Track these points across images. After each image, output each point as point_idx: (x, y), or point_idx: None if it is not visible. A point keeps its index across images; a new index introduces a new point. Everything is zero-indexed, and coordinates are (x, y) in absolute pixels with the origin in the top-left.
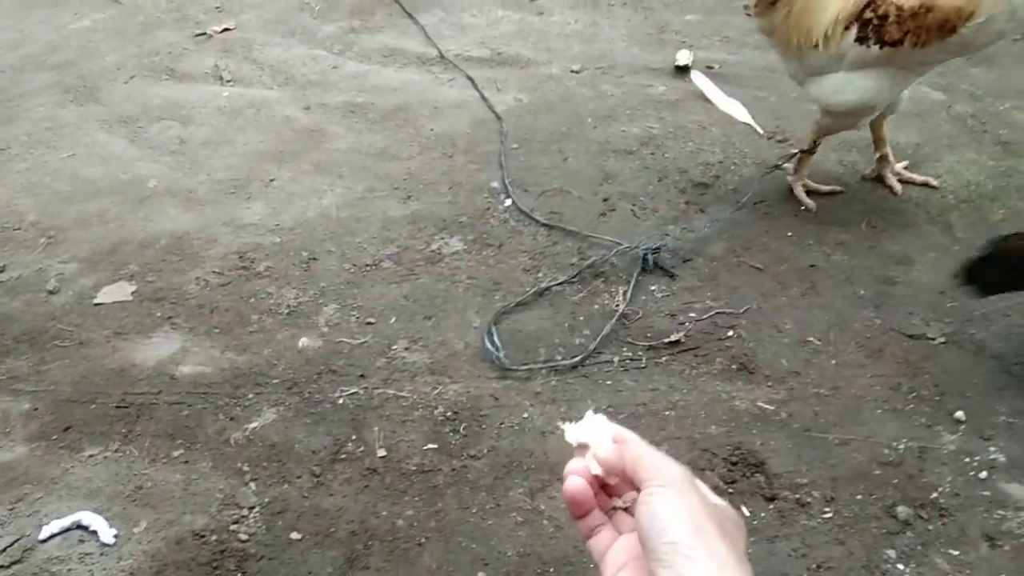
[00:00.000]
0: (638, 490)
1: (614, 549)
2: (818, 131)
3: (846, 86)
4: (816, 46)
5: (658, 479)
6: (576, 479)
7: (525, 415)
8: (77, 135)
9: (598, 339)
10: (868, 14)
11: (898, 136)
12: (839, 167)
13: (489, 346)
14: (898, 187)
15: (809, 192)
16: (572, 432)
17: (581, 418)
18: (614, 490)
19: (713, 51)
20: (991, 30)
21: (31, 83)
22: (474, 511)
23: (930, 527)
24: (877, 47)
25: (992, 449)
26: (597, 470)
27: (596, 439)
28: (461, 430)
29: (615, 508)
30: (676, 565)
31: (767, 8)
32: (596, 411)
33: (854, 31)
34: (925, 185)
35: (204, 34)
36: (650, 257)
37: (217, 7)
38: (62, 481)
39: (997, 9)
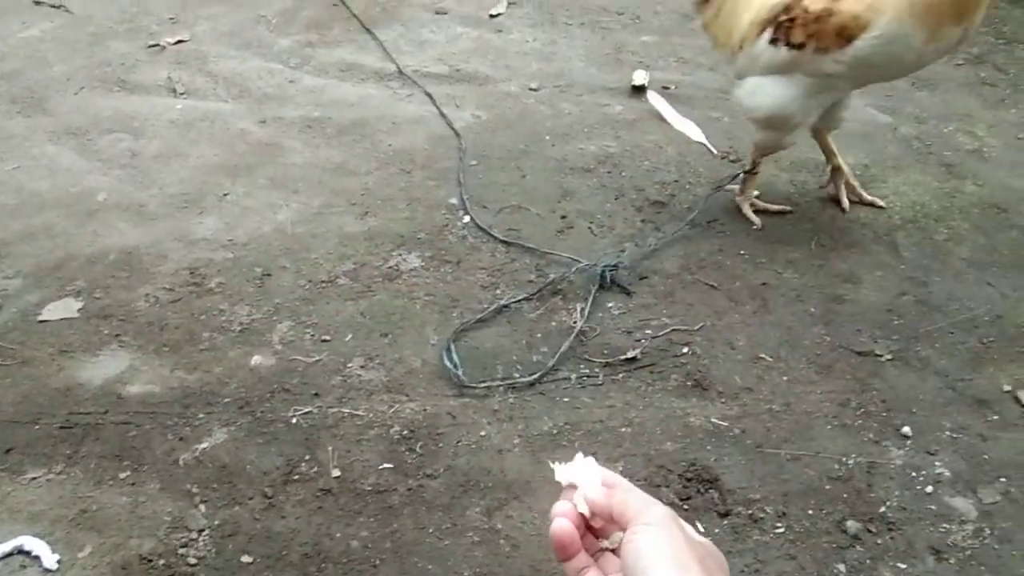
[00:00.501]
0: (624, 531)
1: None
2: (755, 151)
3: (759, 90)
4: (737, 48)
5: (643, 518)
6: (563, 521)
7: (482, 433)
8: (24, 147)
9: (556, 356)
10: (782, 17)
11: (845, 157)
12: (790, 187)
13: (448, 363)
14: (846, 203)
15: (757, 211)
16: (562, 472)
17: (571, 460)
18: (600, 531)
19: (669, 72)
20: (888, 52)
21: None
22: (430, 531)
23: (879, 541)
24: (785, 49)
25: (937, 464)
26: (584, 509)
27: (585, 480)
28: (417, 449)
29: (601, 549)
30: None
31: (702, 5)
32: (585, 454)
33: (768, 33)
34: (872, 205)
35: (157, 46)
36: (608, 274)
37: (171, 18)
38: (3, 505)
39: (892, 28)
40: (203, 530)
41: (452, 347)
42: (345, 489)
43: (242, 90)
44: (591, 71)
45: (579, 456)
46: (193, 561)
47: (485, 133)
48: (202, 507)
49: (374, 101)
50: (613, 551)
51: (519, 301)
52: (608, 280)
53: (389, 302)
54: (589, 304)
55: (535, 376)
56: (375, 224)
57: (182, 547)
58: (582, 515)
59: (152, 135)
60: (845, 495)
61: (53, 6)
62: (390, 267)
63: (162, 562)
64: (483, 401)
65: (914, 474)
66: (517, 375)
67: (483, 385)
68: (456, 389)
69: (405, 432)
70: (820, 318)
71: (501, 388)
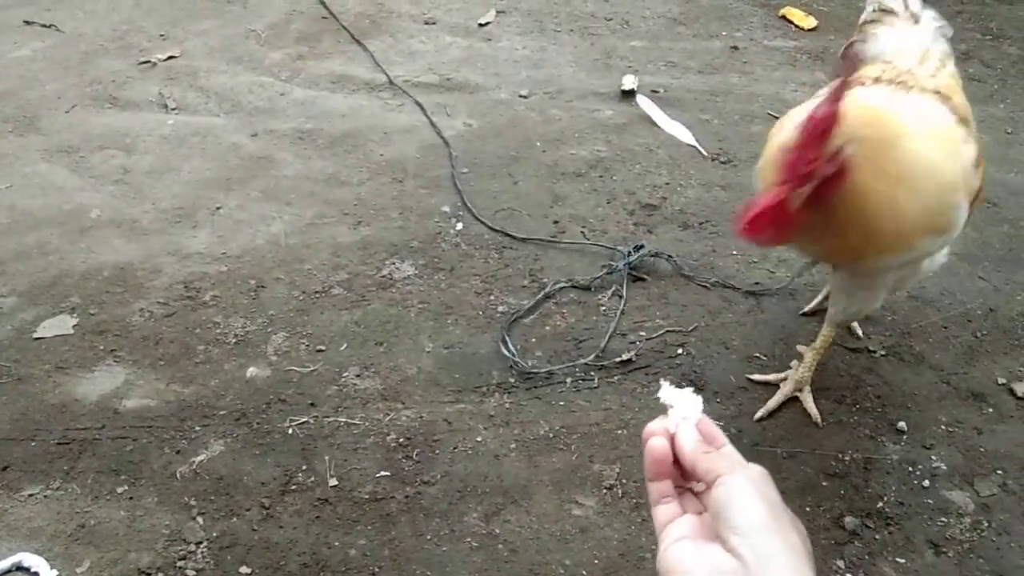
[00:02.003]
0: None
1: (677, 523)
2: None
3: None
4: None
5: (737, 471)
6: (660, 440)
7: (478, 438)
8: (16, 166)
9: (607, 336)
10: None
11: None
12: None
13: (506, 352)
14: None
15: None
16: (667, 393)
17: (682, 387)
18: (686, 473)
19: (658, 76)
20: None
21: None
22: (428, 538)
23: (877, 536)
24: None
25: (934, 458)
26: (672, 426)
27: (683, 416)
28: (414, 456)
29: (688, 488)
30: (751, 536)
31: None
32: (696, 391)
33: None
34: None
35: (148, 62)
36: (634, 254)
37: (162, 35)
38: (1, 522)
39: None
40: (201, 542)
41: (507, 337)
42: (343, 498)
43: (233, 104)
44: (580, 77)
45: (689, 391)
46: (192, 573)
47: (476, 141)
48: (200, 519)
49: (365, 112)
50: (697, 495)
51: (569, 286)
52: (633, 263)
53: (383, 311)
54: (624, 287)
55: (592, 357)
56: (368, 233)
57: (180, 560)
58: (672, 451)
59: (144, 151)
60: (842, 491)
61: (44, 26)
62: (384, 276)
63: (161, 575)
64: (479, 407)
65: (911, 468)
66: (512, 380)
67: (545, 371)
68: (451, 396)
69: (402, 440)
70: (813, 315)
71: (496, 393)
